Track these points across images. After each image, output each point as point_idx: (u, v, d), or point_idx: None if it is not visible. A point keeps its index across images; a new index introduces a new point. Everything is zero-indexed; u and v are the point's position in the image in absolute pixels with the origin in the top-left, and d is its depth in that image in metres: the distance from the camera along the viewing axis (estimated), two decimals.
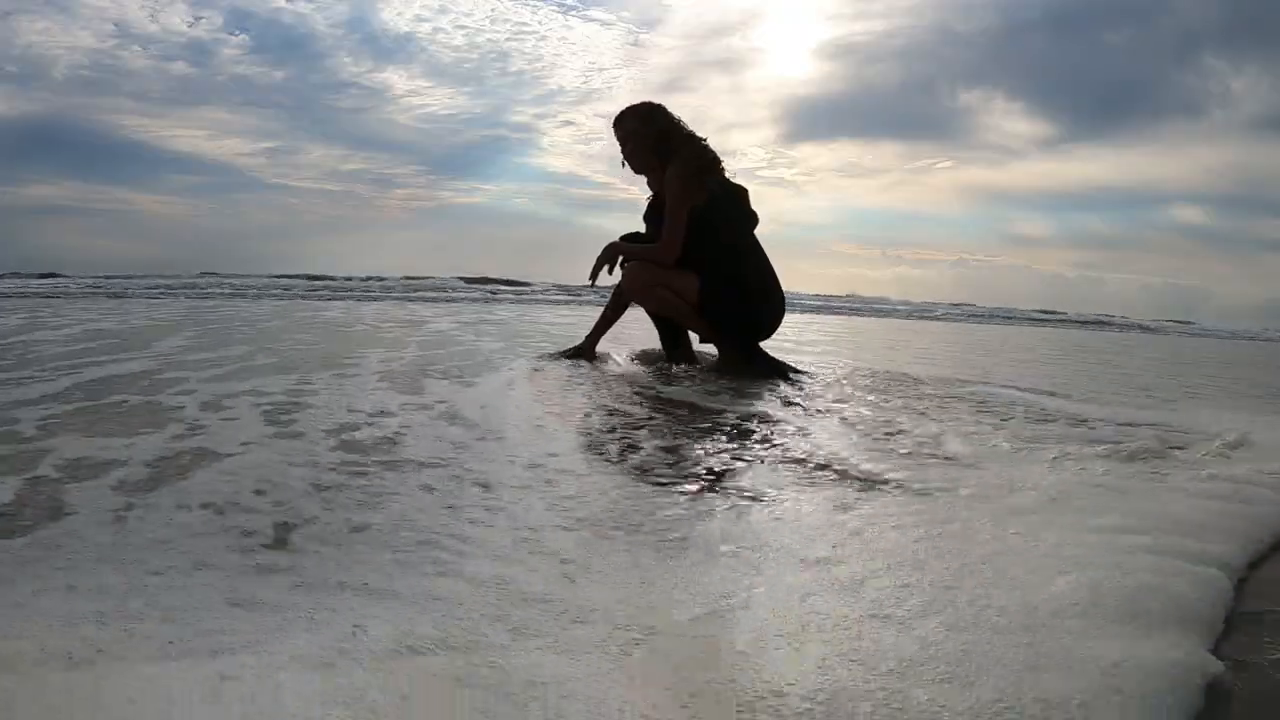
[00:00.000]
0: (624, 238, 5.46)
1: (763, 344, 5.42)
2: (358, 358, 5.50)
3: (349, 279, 25.05)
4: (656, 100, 5.54)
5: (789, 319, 6.24)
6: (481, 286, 24.76)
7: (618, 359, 5.65)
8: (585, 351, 5.66)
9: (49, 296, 14.81)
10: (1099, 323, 30.40)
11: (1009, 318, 29.61)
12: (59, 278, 21.59)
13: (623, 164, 5.45)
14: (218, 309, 11.74)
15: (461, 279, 26.57)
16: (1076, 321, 30.15)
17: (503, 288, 24.77)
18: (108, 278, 22.17)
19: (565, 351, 5.77)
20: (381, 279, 25.23)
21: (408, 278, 25.98)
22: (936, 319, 26.21)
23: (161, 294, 16.86)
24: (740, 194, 5.29)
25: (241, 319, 9.27)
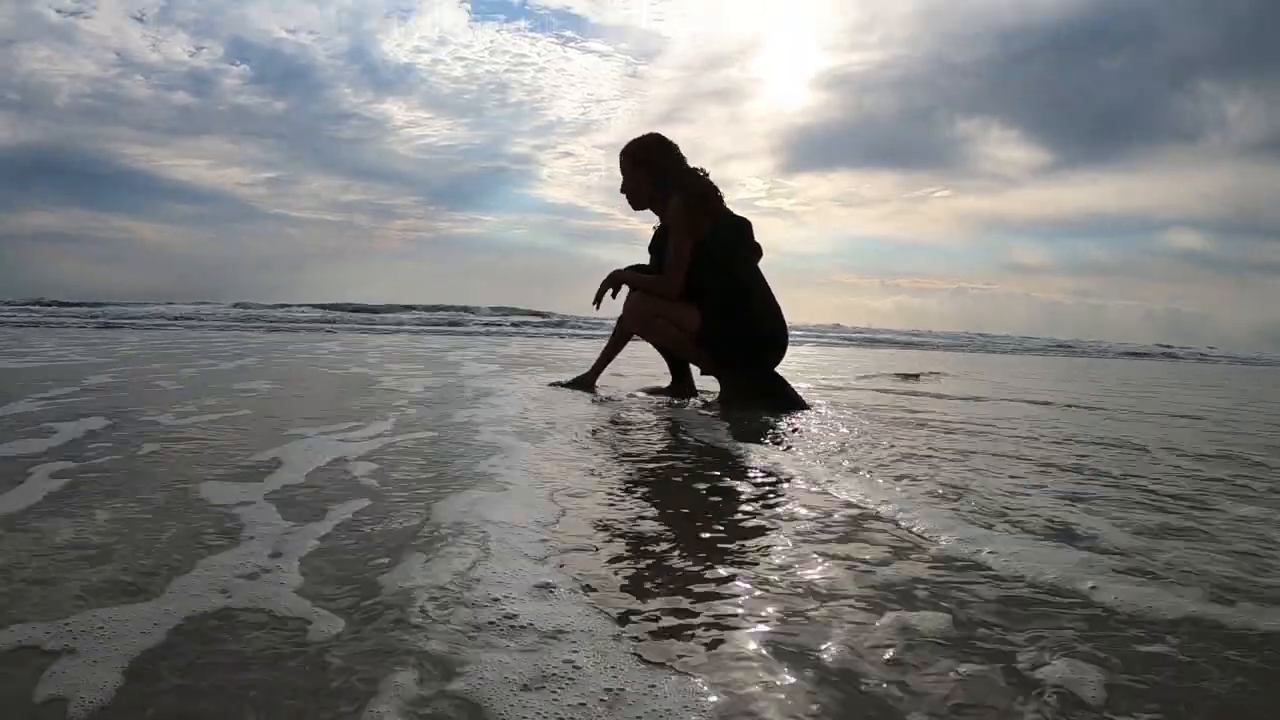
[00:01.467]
0: (629, 269, 5.39)
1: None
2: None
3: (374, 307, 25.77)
4: (656, 131, 5.50)
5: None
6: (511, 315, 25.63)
7: (617, 391, 5.58)
8: (587, 383, 5.63)
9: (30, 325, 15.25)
10: (1200, 357, 29.37)
11: (1099, 352, 28.73)
12: (43, 305, 22.36)
13: (623, 194, 5.41)
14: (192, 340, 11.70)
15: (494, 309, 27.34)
16: (1179, 356, 29.17)
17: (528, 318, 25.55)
18: (98, 304, 22.80)
19: (568, 382, 5.75)
20: (410, 307, 25.83)
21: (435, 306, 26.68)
22: (1011, 351, 25.57)
23: (157, 324, 17.28)
24: (744, 226, 5.18)
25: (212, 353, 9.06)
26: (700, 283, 4.99)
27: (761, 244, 5.28)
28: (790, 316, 5.32)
